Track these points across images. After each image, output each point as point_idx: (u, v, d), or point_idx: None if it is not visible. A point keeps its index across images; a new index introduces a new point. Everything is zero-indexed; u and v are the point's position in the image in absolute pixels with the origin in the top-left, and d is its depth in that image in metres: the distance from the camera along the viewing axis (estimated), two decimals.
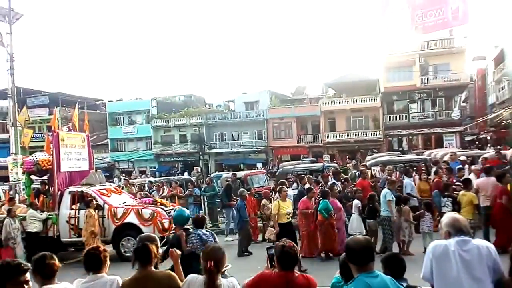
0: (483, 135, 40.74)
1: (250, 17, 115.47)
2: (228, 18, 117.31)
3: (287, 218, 10.25)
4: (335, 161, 34.37)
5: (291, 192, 12.96)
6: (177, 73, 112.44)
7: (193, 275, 3.61)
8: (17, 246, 11.42)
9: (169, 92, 59.65)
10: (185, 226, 6.60)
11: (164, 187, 18.74)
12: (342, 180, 12.85)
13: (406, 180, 11.69)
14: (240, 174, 20.58)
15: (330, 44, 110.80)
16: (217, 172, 34.28)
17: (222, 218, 17.69)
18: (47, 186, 13.49)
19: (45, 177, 13.29)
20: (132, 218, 11.85)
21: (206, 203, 17.25)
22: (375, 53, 54.08)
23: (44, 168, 12.56)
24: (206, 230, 6.36)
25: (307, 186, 12.21)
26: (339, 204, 10.42)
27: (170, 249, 4.33)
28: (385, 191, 9.48)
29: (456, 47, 39.47)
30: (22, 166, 13.17)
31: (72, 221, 12.10)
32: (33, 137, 34.22)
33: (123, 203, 12.66)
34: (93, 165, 14.22)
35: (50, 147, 12.63)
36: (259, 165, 44.26)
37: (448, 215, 3.74)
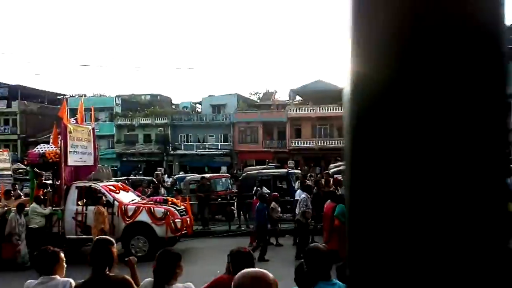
0: None
1: (224, 20, 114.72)
2: (201, 19, 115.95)
3: None
4: (299, 168, 34.86)
5: None
6: (144, 71, 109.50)
7: (149, 279, 3.54)
8: (22, 242, 10.85)
9: (134, 90, 58.18)
10: None
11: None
12: None
13: None
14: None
15: (299, 51, 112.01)
16: (181, 173, 33.80)
17: None
18: (43, 179, 12.89)
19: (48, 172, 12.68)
20: (144, 217, 11.48)
21: None
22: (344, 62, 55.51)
23: (51, 161, 11.92)
24: None
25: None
26: None
27: (128, 257, 4.13)
28: None
29: None
30: (26, 158, 12.48)
31: (79, 218, 11.56)
32: None
33: (132, 200, 12.26)
34: (98, 160, 13.69)
35: (57, 139, 12.03)
36: (224, 168, 43.99)
37: None
